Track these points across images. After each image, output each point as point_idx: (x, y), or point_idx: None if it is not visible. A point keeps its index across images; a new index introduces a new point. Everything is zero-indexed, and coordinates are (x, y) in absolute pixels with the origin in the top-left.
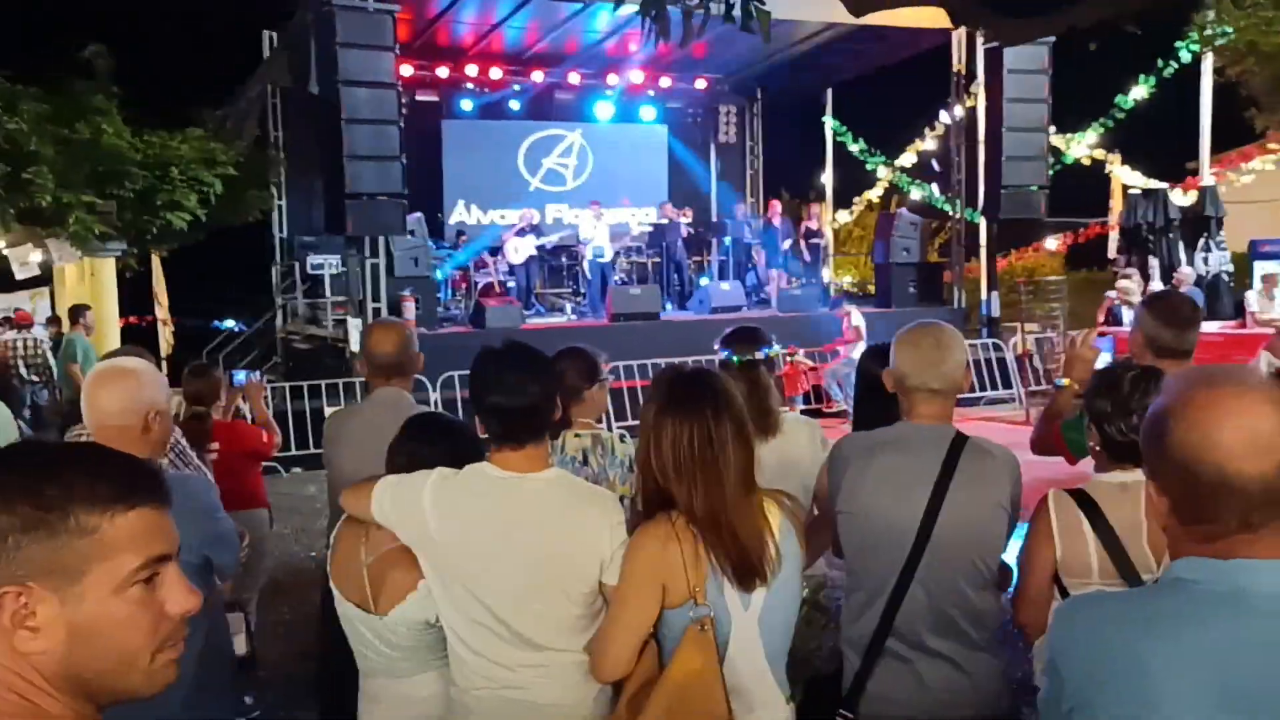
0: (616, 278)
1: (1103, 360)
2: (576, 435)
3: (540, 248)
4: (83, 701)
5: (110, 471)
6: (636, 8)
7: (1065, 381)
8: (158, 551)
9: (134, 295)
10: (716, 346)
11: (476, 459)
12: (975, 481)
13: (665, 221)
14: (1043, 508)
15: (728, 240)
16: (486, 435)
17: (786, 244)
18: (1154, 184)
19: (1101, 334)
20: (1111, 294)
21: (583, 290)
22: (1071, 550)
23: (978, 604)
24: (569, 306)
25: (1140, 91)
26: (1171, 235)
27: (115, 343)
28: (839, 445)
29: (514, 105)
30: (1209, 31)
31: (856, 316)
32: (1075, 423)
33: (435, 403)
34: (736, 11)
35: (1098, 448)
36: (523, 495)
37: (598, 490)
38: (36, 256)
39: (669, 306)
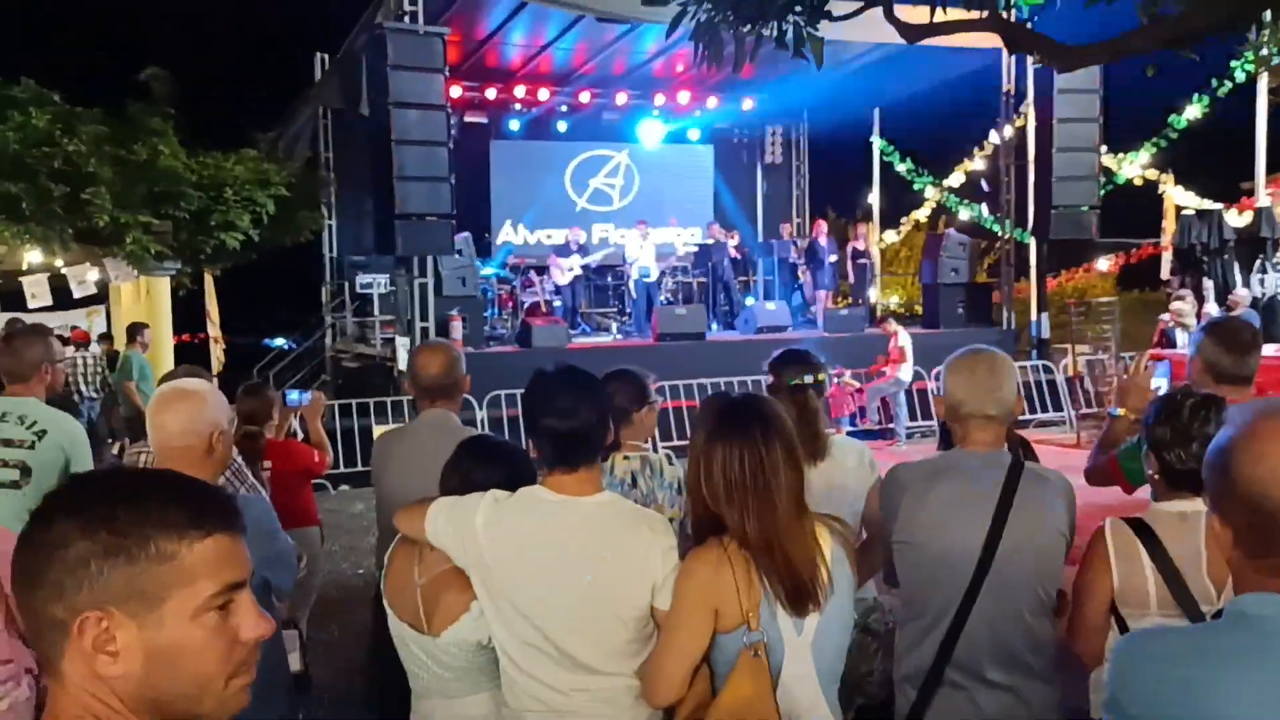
0: (662, 298)
1: (1156, 383)
2: (625, 458)
3: (586, 267)
4: None
5: (188, 498)
6: (665, 33)
7: (1120, 410)
8: (233, 578)
9: (186, 313)
10: (766, 369)
11: (530, 482)
12: (1034, 508)
13: (711, 242)
14: (1099, 536)
15: (773, 260)
16: (539, 458)
17: (832, 258)
18: (1208, 204)
19: (1156, 358)
20: (1165, 316)
21: (628, 310)
22: (1129, 580)
23: (1037, 632)
24: (614, 326)
25: (1194, 111)
26: (1226, 256)
27: (169, 360)
28: (894, 473)
29: (561, 126)
30: (1264, 51)
31: (903, 336)
32: (1132, 450)
33: (482, 421)
34: (789, 37)
35: (1156, 476)
36: (575, 518)
37: (650, 514)
38: (93, 275)
39: (714, 327)
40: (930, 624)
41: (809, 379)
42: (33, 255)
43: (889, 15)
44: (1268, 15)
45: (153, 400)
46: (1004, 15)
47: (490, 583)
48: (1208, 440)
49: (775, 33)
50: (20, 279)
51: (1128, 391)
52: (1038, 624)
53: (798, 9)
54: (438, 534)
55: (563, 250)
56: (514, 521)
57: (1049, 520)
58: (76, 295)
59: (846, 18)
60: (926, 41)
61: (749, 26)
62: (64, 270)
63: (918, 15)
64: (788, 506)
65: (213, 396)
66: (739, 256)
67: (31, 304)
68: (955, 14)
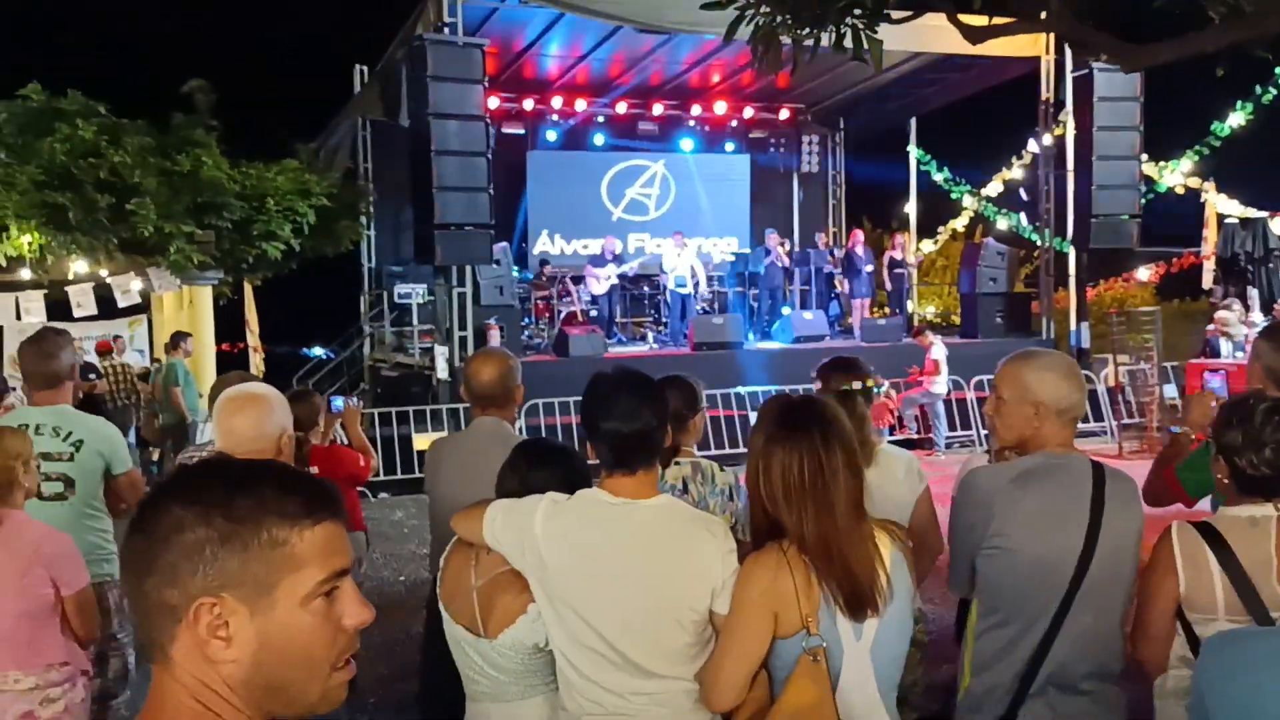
0: (699, 307)
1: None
2: (676, 463)
3: (622, 276)
4: (262, 716)
5: (297, 487)
6: (723, 39)
7: (1181, 428)
8: (338, 566)
9: (226, 323)
10: (814, 375)
11: (586, 484)
12: (1121, 509)
13: (747, 251)
14: (1165, 540)
15: (810, 270)
16: (598, 461)
17: (869, 268)
18: (1252, 213)
19: (1212, 369)
20: (1210, 326)
21: (664, 319)
22: (1195, 584)
23: (1117, 636)
24: (650, 335)
25: (1237, 118)
26: (1271, 265)
27: (211, 369)
28: (975, 479)
29: (598, 137)
30: None
31: (937, 350)
32: (1192, 462)
33: (520, 430)
34: (848, 40)
35: (1226, 481)
36: (634, 521)
37: (709, 518)
38: (137, 285)
39: (751, 336)
40: (1020, 631)
41: (858, 386)
42: (78, 265)
43: (951, 17)
44: None
45: (221, 405)
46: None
47: (548, 585)
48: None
49: (834, 36)
50: (66, 288)
51: (1190, 408)
52: (1118, 627)
53: (857, 11)
54: (495, 536)
55: (598, 260)
56: (573, 524)
57: (1134, 521)
58: (121, 305)
59: (906, 20)
60: (964, 50)
61: (807, 30)
62: (109, 280)
63: (968, 16)
64: (846, 511)
65: (278, 400)
66: (786, 264)
67: (77, 313)
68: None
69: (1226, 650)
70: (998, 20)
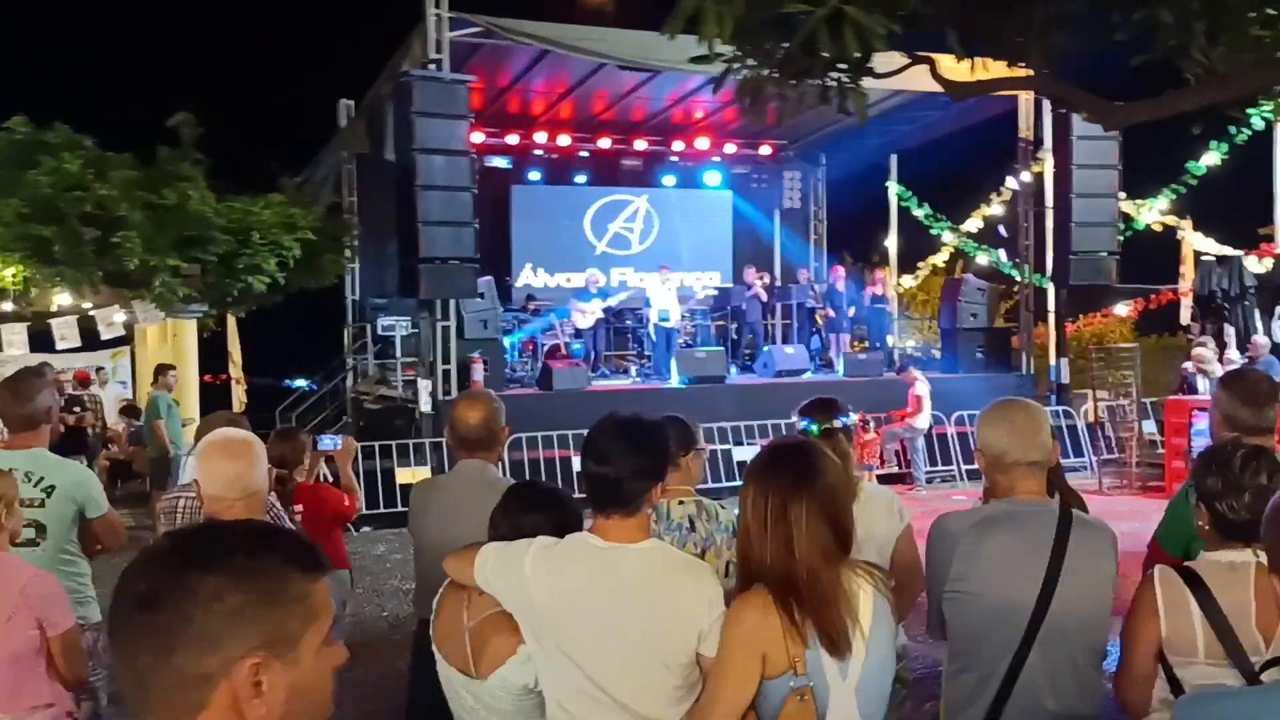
0: (681, 341)
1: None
2: (680, 502)
3: (606, 310)
4: None
5: (301, 543)
6: (713, 75)
7: None
8: (335, 612)
9: (209, 354)
10: (795, 417)
11: (577, 528)
12: (1085, 557)
13: (730, 285)
14: (1148, 584)
15: (792, 305)
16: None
17: (851, 310)
18: (1228, 250)
19: (1200, 407)
20: (1187, 364)
21: (648, 353)
22: (1177, 629)
23: (1089, 682)
24: (634, 369)
25: (1212, 158)
26: (1247, 303)
27: (195, 401)
28: (942, 523)
29: (581, 171)
30: None
31: (920, 386)
32: (1171, 525)
33: (501, 463)
34: (833, 93)
35: (1207, 527)
36: (621, 565)
37: (695, 562)
38: (120, 317)
39: (733, 370)
40: (985, 675)
41: (839, 423)
42: (62, 298)
43: (935, 74)
44: None
45: (209, 450)
46: (1047, 73)
47: (538, 628)
48: (1259, 490)
49: (819, 88)
50: (50, 321)
51: None
52: (1090, 674)
53: (841, 66)
54: (486, 579)
55: (583, 294)
56: (561, 567)
57: (1099, 569)
58: (104, 337)
59: (890, 75)
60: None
61: (794, 82)
62: (92, 312)
63: (951, 69)
64: (810, 554)
65: (260, 445)
66: (766, 299)
67: (60, 345)
68: (997, 69)
69: (1201, 710)
70: (981, 76)
